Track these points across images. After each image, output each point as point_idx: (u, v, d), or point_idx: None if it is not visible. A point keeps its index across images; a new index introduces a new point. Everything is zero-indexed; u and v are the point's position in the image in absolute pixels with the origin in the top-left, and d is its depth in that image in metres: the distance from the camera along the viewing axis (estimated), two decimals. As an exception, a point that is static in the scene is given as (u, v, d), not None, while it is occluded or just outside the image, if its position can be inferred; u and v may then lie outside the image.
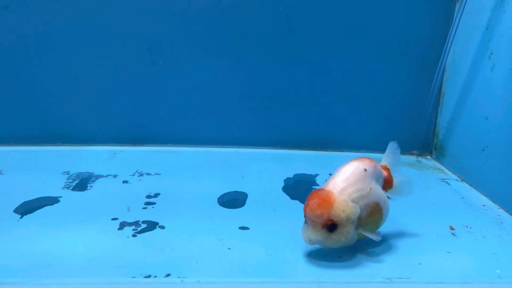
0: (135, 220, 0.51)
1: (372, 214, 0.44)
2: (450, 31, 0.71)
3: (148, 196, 0.58)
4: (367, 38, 0.77)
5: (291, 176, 0.68)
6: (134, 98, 0.78)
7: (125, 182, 0.63)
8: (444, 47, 0.72)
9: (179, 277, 0.40)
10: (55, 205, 0.54)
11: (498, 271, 0.43)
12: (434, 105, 0.79)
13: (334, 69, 0.78)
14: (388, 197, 0.48)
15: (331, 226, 0.41)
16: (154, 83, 0.78)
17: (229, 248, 0.46)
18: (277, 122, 0.80)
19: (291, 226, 0.48)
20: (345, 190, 0.43)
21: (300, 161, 0.75)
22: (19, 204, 0.54)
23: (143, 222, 0.50)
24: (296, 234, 0.44)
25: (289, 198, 0.59)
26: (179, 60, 0.77)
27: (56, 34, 0.73)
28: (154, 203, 0.56)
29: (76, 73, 0.76)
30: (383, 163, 0.50)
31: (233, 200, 0.58)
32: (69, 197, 0.56)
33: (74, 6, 0.72)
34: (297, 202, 0.58)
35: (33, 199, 0.55)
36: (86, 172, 0.66)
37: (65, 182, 0.61)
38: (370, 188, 0.44)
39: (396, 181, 0.49)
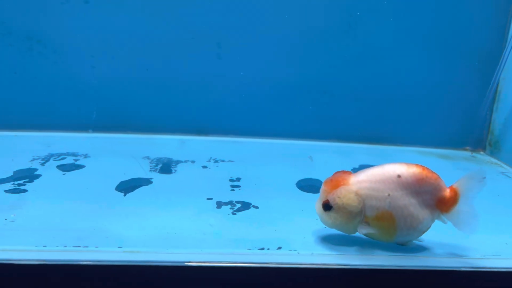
0: (228, 200, 0.55)
1: (380, 219, 0.43)
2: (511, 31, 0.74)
3: (231, 180, 0.62)
4: (426, 34, 0.80)
5: (357, 166, 0.72)
6: (200, 90, 0.82)
7: (204, 167, 0.67)
8: (506, 46, 0.75)
9: (291, 250, 0.44)
10: (149, 185, 0.58)
11: None
12: (490, 102, 0.82)
13: (391, 64, 0.81)
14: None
15: (325, 206, 0.44)
16: (219, 77, 0.82)
17: (325, 227, 0.49)
18: (335, 116, 0.83)
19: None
20: (361, 183, 0.44)
21: (359, 153, 0.79)
22: (117, 183, 0.58)
23: (237, 202, 0.55)
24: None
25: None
26: (243, 54, 0.80)
27: (129, 28, 0.77)
28: (239, 186, 0.60)
29: (147, 65, 0.80)
30: (457, 183, 0.45)
31: (310, 186, 0.62)
32: (160, 179, 0.61)
33: (145, 3, 0.76)
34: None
35: (128, 180, 0.60)
36: (165, 158, 0.70)
37: (150, 166, 0.66)
38: (389, 195, 0.43)
39: (459, 208, 0.44)
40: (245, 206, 0.53)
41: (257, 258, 0.41)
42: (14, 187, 0.55)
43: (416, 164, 0.45)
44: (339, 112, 0.83)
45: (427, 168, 0.45)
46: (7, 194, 0.53)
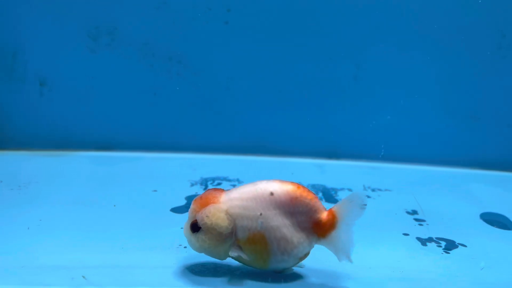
0: (427, 237, 0.51)
1: (253, 242, 0.39)
2: None
3: (408, 213, 0.58)
4: None
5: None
6: (335, 112, 0.78)
7: (368, 197, 0.64)
8: None
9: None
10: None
11: None
12: None
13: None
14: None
15: (193, 226, 0.40)
16: (355, 99, 0.78)
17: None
18: (479, 143, 0.78)
19: None
20: (232, 201, 0.40)
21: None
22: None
23: (437, 239, 0.51)
24: None
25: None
26: (382, 75, 0.77)
27: (265, 49, 0.74)
28: (423, 220, 0.56)
29: (282, 87, 0.78)
30: (336, 206, 0.41)
31: (498, 222, 0.57)
32: (335, 210, 0.58)
33: (282, 26, 0.73)
34: None
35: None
36: (319, 185, 0.67)
37: (312, 194, 0.64)
38: (260, 214, 0.39)
39: (337, 234, 0.40)
40: (451, 244, 0.49)
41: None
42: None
43: (292, 182, 0.41)
44: (483, 139, 0.78)
45: (303, 187, 0.41)
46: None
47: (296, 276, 0.42)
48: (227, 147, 0.79)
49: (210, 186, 0.64)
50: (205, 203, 0.40)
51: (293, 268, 0.42)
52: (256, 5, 0.74)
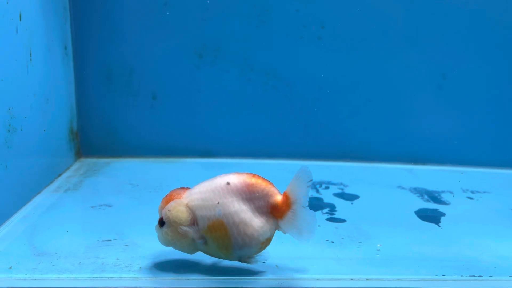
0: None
1: (213, 230, 0.42)
2: None
3: (516, 212, 0.63)
4: None
5: None
6: (420, 120, 0.82)
7: (470, 198, 0.67)
8: None
9: None
10: (447, 216, 0.59)
11: None
12: None
13: None
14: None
15: (160, 222, 0.43)
16: (439, 107, 0.82)
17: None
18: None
19: None
20: (193, 195, 0.43)
21: None
22: (415, 211, 0.60)
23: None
24: None
25: None
26: (468, 86, 0.81)
27: (353, 62, 0.80)
28: (533, 220, 0.61)
29: (368, 97, 0.82)
30: (288, 187, 0.42)
31: None
32: (449, 210, 0.61)
33: (369, 40, 0.79)
34: None
35: (419, 209, 0.61)
36: (421, 188, 0.70)
37: (415, 195, 0.67)
38: (218, 203, 0.41)
39: (293, 214, 0.41)
40: None
41: None
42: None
43: (247, 173, 0.43)
44: None
45: (258, 175, 0.43)
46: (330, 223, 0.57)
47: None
48: (318, 154, 0.84)
49: (319, 190, 0.69)
50: (169, 200, 0.43)
51: (257, 260, 0.43)
52: (346, 22, 0.79)
